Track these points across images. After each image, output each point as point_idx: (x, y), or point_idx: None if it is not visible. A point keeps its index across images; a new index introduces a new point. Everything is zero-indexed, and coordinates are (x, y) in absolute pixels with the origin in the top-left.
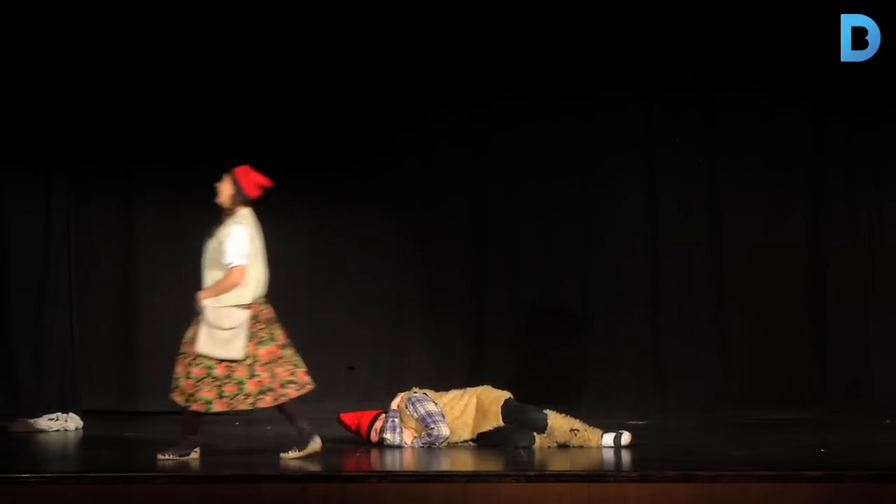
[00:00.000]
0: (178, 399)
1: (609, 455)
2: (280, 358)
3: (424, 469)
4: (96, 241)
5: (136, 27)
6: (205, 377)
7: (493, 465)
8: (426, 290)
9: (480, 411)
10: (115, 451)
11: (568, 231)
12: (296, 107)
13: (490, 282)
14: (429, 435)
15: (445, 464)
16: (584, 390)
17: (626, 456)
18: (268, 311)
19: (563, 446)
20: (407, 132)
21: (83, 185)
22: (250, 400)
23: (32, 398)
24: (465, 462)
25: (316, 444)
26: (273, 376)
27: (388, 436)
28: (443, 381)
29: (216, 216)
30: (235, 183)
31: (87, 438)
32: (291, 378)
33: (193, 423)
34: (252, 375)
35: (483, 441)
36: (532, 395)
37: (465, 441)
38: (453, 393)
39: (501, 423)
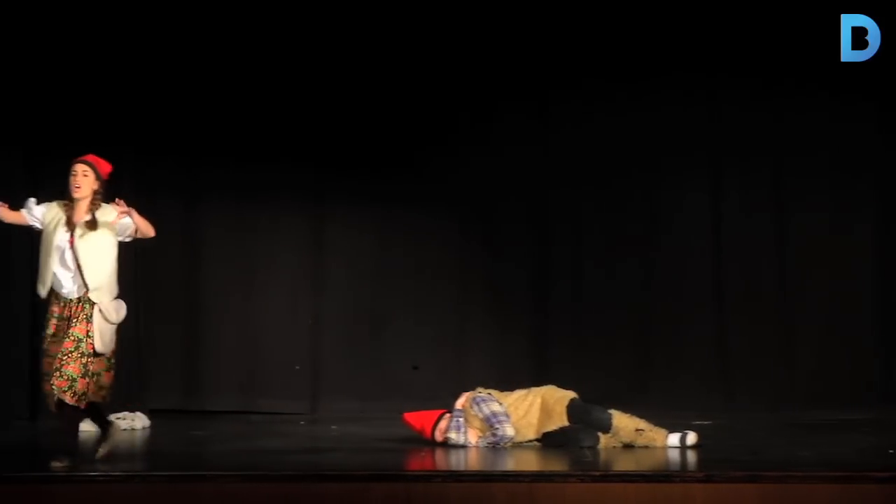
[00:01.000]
0: (71, 400)
1: (674, 455)
2: None
3: (489, 469)
4: (161, 240)
5: (206, 29)
6: (99, 373)
7: (557, 465)
8: (490, 290)
9: (545, 411)
10: (181, 449)
11: (632, 230)
12: (359, 109)
13: (554, 281)
14: (493, 435)
15: (510, 464)
16: (649, 390)
17: (691, 456)
18: None
19: (628, 446)
20: (470, 132)
21: (149, 183)
22: (103, 393)
23: None
24: (529, 462)
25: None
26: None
27: (452, 435)
28: (507, 381)
29: (279, 216)
30: (98, 175)
31: (154, 437)
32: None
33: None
34: (109, 368)
35: (548, 441)
36: (596, 394)
37: (530, 441)
38: (518, 393)
39: (566, 423)
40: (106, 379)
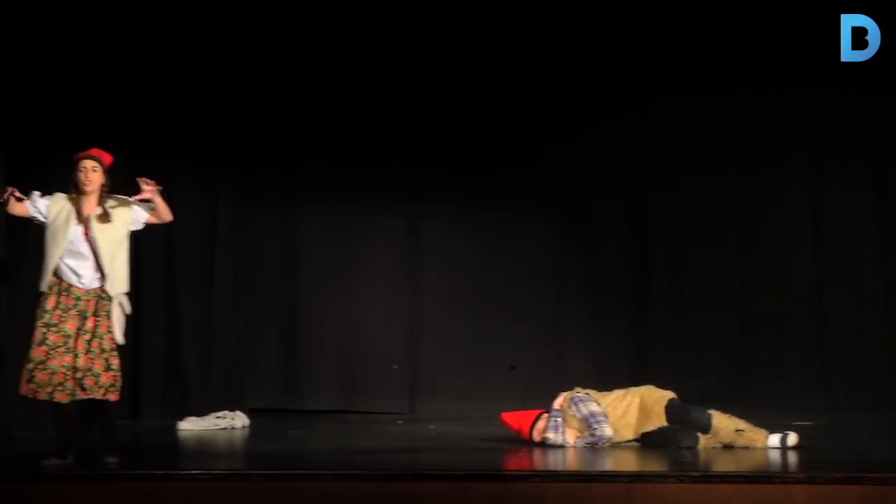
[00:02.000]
0: (100, 395)
1: (775, 456)
2: None
3: (587, 469)
4: (261, 241)
5: (301, 33)
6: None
7: (656, 465)
8: (587, 290)
9: (644, 411)
10: (279, 448)
11: (731, 230)
12: (457, 109)
13: (652, 281)
14: (592, 435)
15: (609, 464)
16: (749, 390)
17: (792, 457)
18: None
19: (727, 447)
20: (569, 131)
21: (248, 185)
22: (102, 391)
23: (200, 397)
24: (628, 462)
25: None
26: None
27: (550, 435)
28: (605, 381)
29: (376, 216)
30: (105, 169)
31: (253, 436)
32: None
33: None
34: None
35: (646, 441)
36: (695, 394)
37: (629, 441)
38: (616, 393)
39: (665, 424)
40: (105, 378)
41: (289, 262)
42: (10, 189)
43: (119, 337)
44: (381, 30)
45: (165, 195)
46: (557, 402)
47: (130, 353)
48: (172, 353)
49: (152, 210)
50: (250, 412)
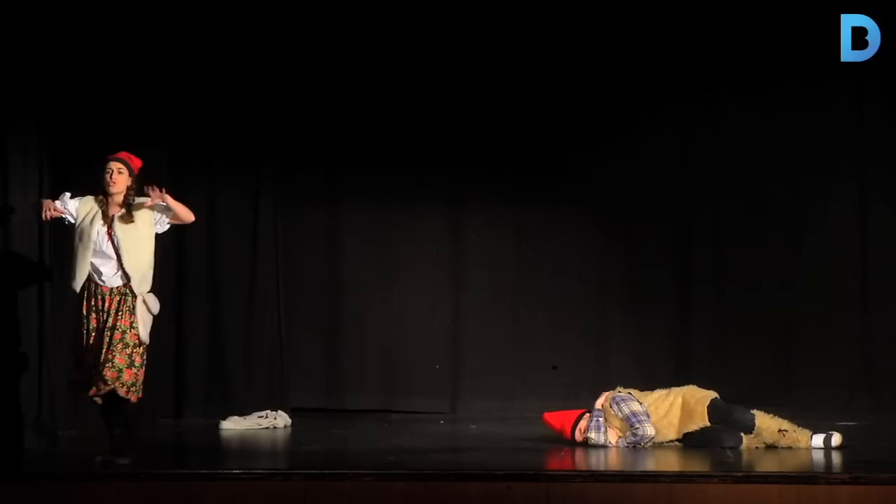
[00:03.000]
0: (122, 392)
1: (819, 456)
2: None
3: (630, 469)
4: (303, 242)
5: (349, 32)
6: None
7: (699, 465)
8: (630, 290)
9: (686, 411)
10: (322, 448)
11: (774, 230)
12: (498, 108)
13: (694, 281)
14: (634, 435)
15: (651, 464)
16: (792, 390)
17: (836, 457)
18: None
19: (770, 447)
20: (612, 131)
21: (290, 186)
22: (124, 389)
23: (243, 397)
24: (670, 462)
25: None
26: None
27: (592, 435)
28: (647, 381)
29: (418, 216)
30: (131, 172)
31: (295, 436)
32: None
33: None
34: (142, 365)
35: (689, 441)
36: (738, 394)
37: (671, 441)
38: (658, 392)
39: (707, 423)
40: (128, 376)
41: (331, 261)
42: (45, 203)
43: (144, 335)
44: (427, 30)
45: (207, 196)
46: (599, 402)
47: (173, 352)
48: (215, 353)
49: (169, 213)
50: (293, 412)
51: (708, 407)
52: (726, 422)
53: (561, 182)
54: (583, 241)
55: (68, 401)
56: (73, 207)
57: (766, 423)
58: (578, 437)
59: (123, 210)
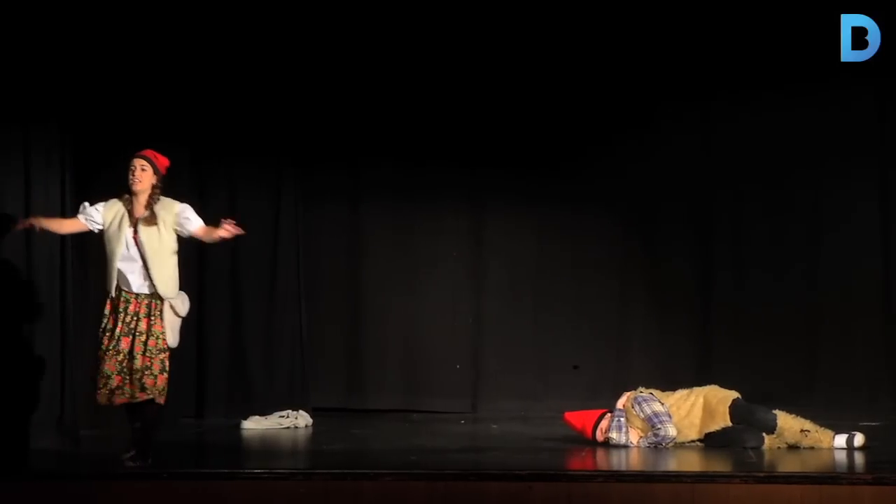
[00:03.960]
0: (143, 397)
1: (841, 457)
2: None
3: (651, 469)
4: (323, 241)
5: (370, 32)
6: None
7: (721, 465)
8: (651, 289)
9: (707, 411)
10: (343, 447)
11: (796, 229)
12: (518, 108)
13: (716, 280)
14: (655, 435)
15: (672, 464)
16: (814, 390)
17: (859, 458)
18: None
19: (793, 447)
20: (631, 132)
21: (310, 185)
22: (159, 394)
23: (264, 396)
24: (692, 462)
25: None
26: None
27: (613, 435)
28: (668, 381)
29: (439, 216)
30: (157, 170)
31: (317, 435)
32: None
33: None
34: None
35: (710, 441)
36: (760, 394)
37: (692, 441)
38: (680, 392)
39: (729, 424)
40: (160, 381)
41: (352, 261)
42: (30, 221)
43: (171, 340)
44: (449, 30)
45: (228, 196)
46: (621, 402)
47: (194, 352)
48: (236, 353)
49: (204, 231)
50: (314, 411)
51: (730, 407)
52: (748, 422)
53: (582, 182)
54: (604, 241)
55: (90, 401)
56: (98, 214)
57: (789, 424)
58: (600, 437)
59: (148, 212)
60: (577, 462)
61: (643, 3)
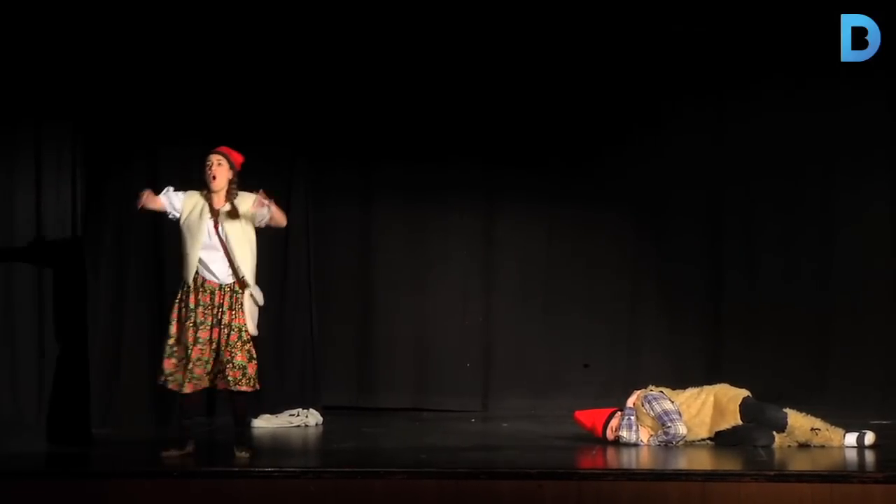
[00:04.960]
0: (247, 388)
1: (852, 455)
2: None
3: (661, 468)
4: (335, 239)
5: (384, 30)
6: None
7: (731, 464)
8: (662, 288)
9: (718, 409)
10: (353, 446)
11: (807, 228)
12: (529, 106)
13: (727, 279)
14: (665, 433)
15: (683, 462)
16: (825, 388)
17: (869, 456)
18: None
19: (803, 446)
20: (642, 129)
21: (322, 183)
22: (249, 383)
23: (275, 395)
24: (702, 461)
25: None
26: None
27: (624, 434)
28: (679, 379)
29: (450, 214)
30: (232, 165)
31: (327, 434)
32: None
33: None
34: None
35: (721, 440)
36: (771, 393)
37: (703, 440)
38: (690, 391)
39: (740, 422)
40: (251, 370)
41: (363, 259)
42: (146, 196)
43: (252, 329)
44: (461, 30)
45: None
46: (631, 401)
47: None
48: None
49: (266, 216)
50: (324, 410)
51: (740, 405)
52: (758, 420)
53: (593, 180)
54: (615, 240)
55: (103, 399)
56: (178, 201)
57: (799, 422)
58: (610, 435)
59: (229, 205)
60: (588, 460)
61: (655, 3)
